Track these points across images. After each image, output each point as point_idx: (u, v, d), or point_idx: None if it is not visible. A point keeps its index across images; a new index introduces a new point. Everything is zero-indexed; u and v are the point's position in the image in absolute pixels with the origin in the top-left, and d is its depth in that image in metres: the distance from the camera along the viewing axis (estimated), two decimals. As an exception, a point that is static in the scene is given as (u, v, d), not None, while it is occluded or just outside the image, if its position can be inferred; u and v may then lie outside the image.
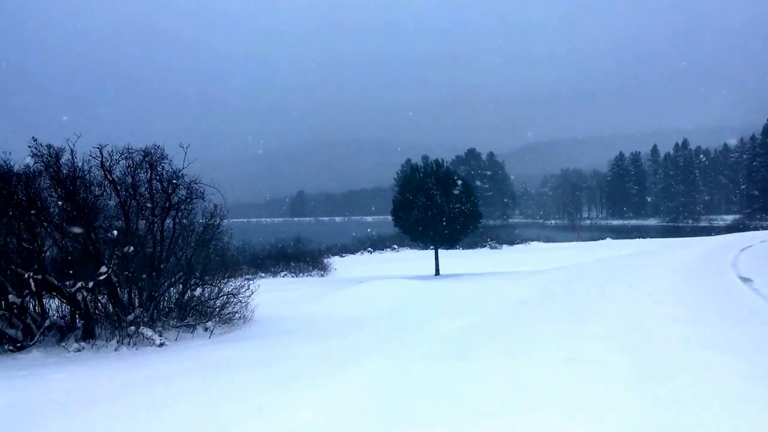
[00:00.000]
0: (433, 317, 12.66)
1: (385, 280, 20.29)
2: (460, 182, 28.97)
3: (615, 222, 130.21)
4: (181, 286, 12.40)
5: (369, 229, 70.08)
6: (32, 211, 10.86)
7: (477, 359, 7.80)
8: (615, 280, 16.73)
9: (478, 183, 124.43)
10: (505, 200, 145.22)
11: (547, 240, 67.53)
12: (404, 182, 30.07)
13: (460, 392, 6.31)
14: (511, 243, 60.94)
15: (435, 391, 6.37)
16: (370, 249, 55.79)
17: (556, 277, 19.25)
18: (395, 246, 56.30)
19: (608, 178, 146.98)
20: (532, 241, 64.20)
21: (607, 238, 65.74)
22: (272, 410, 5.96)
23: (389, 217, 30.61)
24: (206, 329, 12.07)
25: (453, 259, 41.06)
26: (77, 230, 11.01)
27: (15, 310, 10.82)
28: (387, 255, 52.72)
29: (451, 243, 29.95)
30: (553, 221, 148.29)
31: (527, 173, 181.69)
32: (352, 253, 53.88)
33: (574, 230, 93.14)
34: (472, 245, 54.92)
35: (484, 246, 57.12)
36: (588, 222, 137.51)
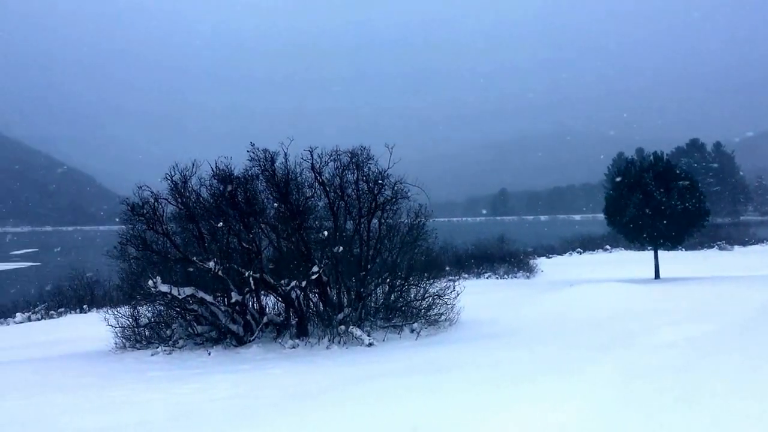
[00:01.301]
0: (653, 325, 11.34)
1: (598, 283, 18.90)
2: (683, 176, 26.30)
3: None
4: (387, 286, 12.45)
5: (577, 228, 66.90)
6: (251, 213, 11.59)
7: (709, 375, 6.63)
8: None
9: (702, 177, 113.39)
10: (737, 195, 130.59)
11: (791, 239, 59.01)
12: (618, 178, 28.04)
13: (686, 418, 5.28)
14: (744, 243, 54.27)
15: (656, 413, 5.44)
16: (579, 250, 53.10)
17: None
18: (608, 247, 53.00)
19: None
20: (771, 240, 56.56)
21: None
22: (479, 417, 5.53)
23: (600, 216, 28.75)
24: (412, 330, 11.97)
25: (674, 261, 37.46)
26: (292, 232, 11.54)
27: (237, 308, 11.60)
28: (598, 256, 49.78)
29: (672, 243, 27.35)
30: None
31: (764, 165, 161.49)
32: (560, 254, 51.64)
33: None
34: (696, 246, 49.79)
35: (712, 247, 51.47)
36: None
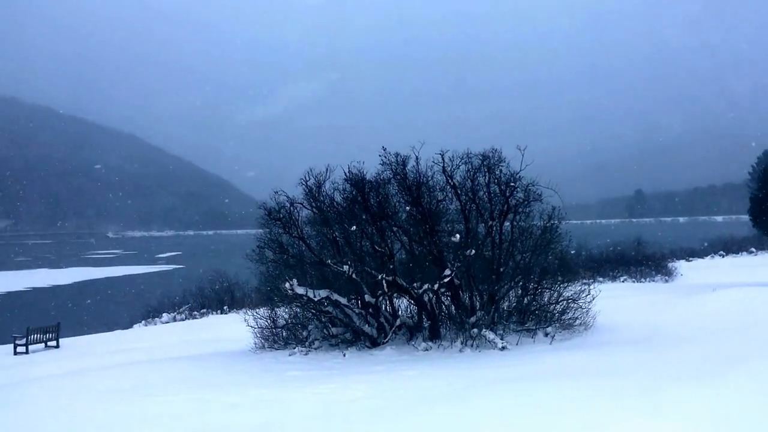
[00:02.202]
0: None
1: (744, 287, 17.44)
2: None
3: None
4: (519, 289, 12.20)
5: (719, 230, 62.45)
6: (383, 217, 11.74)
7: None
8: None
9: None
10: None
11: None
12: (764, 176, 26.03)
13: None
14: None
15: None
16: (721, 252, 49.55)
17: None
18: (752, 249, 49.09)
19: None
20: None
21: None
22: (617, 428, 5.24)
23: (744, 217, 26.76)
24: (546, 334, 11.64)
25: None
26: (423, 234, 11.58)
27: (370, 310, 11.80)
28: (743, 259, 46.21)
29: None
30: None
31: None
32: (700, 257, 48.49)
33: None
34: None
35: None
36: None
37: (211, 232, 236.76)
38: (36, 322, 25.25)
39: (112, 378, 10.74)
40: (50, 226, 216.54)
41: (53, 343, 22.81)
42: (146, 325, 29.64)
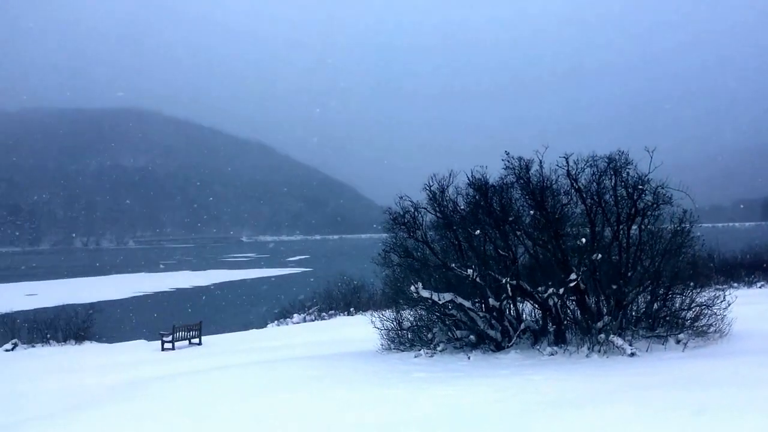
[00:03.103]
0: None
1: None
2: None
3: None
4: (648, 295, 11.81)
5: None
6: (506, 221, 11.80)
7: None
8: None
9: None
10: None
11: None
12: None
13: None
14: None
15: None
16: None
17: None
18: None
19: None
20: None
21: None
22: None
23: None
24: (678, 341, 11.19)
25: None
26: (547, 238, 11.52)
27: (494, 313, 11.89)
28: None
29: None
30: None
31: None
32: None
33: None
34: None
35: None
36: None
37: (336, 237, 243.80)
38: (180, 320, 27.36)
39: (252, 374, 11.55)
40: (190, 231, 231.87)
41: (196, 340, 24.56)
42: (278, 325, 31.20)
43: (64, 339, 26.19)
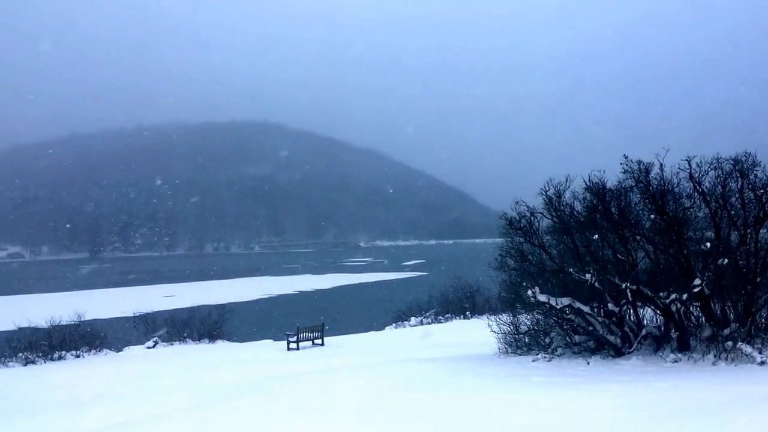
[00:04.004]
0: None
1: None
2: None
3: None
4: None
5: None
6: (626, 225, 11.63)
7: None
8: None
9: None
10: None
11: None
12: None
13: None
14: None
15: None
16: None
17: None
18: None
19: None
20: None
21: None
22: None
23: None
24: (819, 352, 10.55)
25: None
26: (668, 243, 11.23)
27: (613, 318, 11.73)
28: None
29: None
30: None
31: None
32: None
33: None
34: None
35: None
36: None
37: (450, 242, 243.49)
38: (303, 321, 28.67)
39: (373, 375, 11.97)
40: (311, 236, 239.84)
41: (319, 341, 25.65)
42: (396, 328, 31.88)
43: (199, 337, 28.20)
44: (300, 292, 65.05)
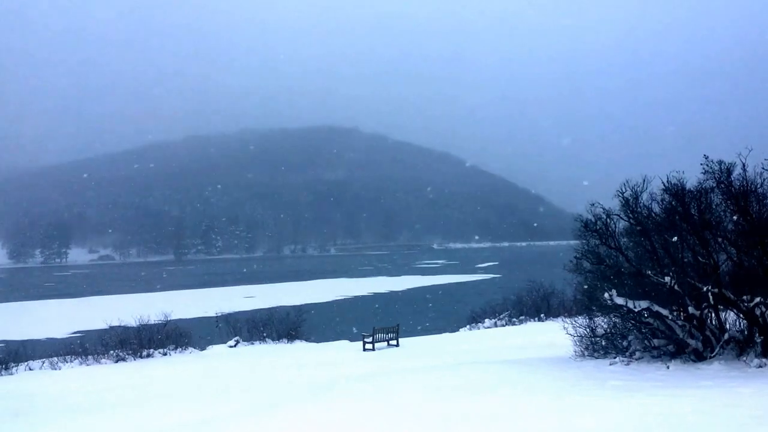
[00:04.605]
0: None
1: None
2: None
3: None
4: None
5: None
6: (707, 227, 11.33)
7: None
8: None
9: None
10: None
11: None
12: None
13: None
14: None
15: None
16: None
17: None
18: None
19: None
20: None
21: None
22: None
23: None
24: None
25: None
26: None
27: (694, 322, 11.44)
28: None
29: None
30: None
31: None
32: None
33: None
34: None
35: None
36: None
37: (524, 244, 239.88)
38: (378, 322, 29.07)
39: (449, 376, 12.13)
40: (385, 239, 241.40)
41: (394, 342, 25.99)
42: (470, 330, 31.85)
43: (278, 337, 28.99)
44: (375, 293, 65.72)
